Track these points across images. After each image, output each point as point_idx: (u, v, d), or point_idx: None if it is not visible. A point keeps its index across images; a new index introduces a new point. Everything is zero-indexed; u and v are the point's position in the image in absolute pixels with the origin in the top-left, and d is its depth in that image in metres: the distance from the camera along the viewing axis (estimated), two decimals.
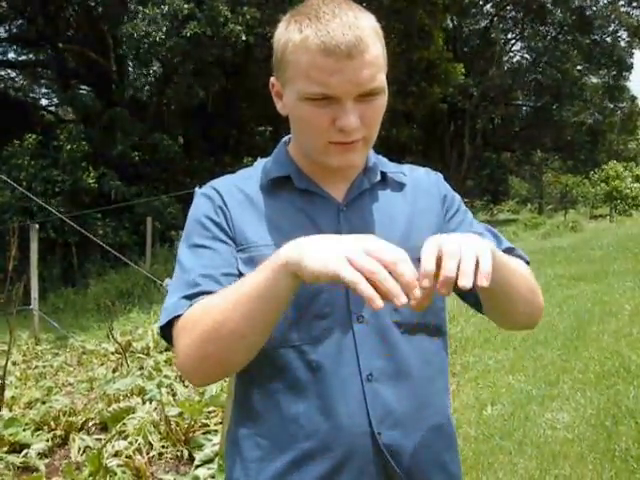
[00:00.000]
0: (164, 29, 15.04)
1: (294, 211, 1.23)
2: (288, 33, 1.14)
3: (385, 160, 1.36)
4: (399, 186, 1.32)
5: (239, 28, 14.94)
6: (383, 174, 1.30)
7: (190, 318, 1.10)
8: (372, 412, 1.15)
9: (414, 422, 1.20)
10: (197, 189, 1.29)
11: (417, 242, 1.21)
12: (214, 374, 1.14)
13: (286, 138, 1.33)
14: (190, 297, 1.13)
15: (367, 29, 1.11)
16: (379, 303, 0.87)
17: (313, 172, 1.26)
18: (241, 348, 1.07)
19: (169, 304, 1.16)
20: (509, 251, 1.30)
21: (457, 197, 1.38)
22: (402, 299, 0.88)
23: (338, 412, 1.15)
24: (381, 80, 1.13)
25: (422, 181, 1.35)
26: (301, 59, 1.11)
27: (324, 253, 0.93)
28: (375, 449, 1.16)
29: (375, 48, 1.12)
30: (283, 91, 1.19)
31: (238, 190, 1.26)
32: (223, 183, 1.29)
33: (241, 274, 1.17)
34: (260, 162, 1.34)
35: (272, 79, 1.23)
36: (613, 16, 31.82)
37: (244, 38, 15.05)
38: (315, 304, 1.16)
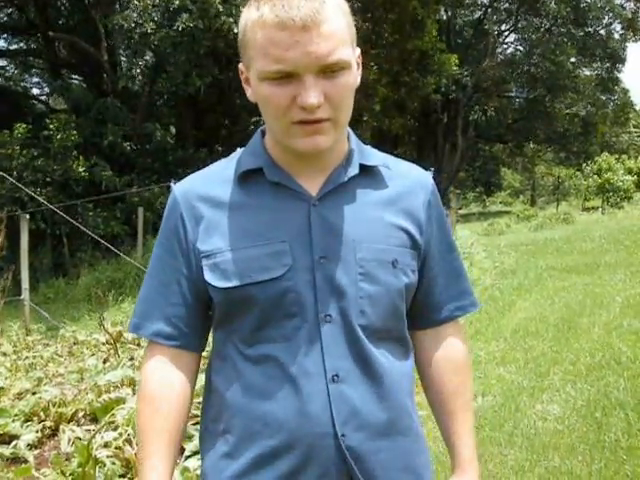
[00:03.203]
0: (155, 19, 14.90)
1: (264, 209, 1.18)
2: (248, 13, 1.11)
3: (371, 150, 1.28)
4: (380, 181, 1.24)
5: (231, 20, 14.82)
6: (363, 167, 1.22)
7: (142, 379, 1.27)
8: (336, 413, 1.13)
9: (381, 425, 1.18)
10: (172, 184, 1.29)
11: (387, 244, 1.20)
12: None
13: (263, 127, 1.27)
14: (145, 328, 1.26)
15: (327, 3, 1.06)
16: None
17: (288, 163, 1.20)
18: None
19: (135, 317, 1.28)
20: (464, 297, 1.35)
21: (442, 212, 1.33)
22: None
23: (302, 411, 1.13)
24: (345, 54, 1.08)
25: (407, 179, 1.28)
26: (258, 36, 1.07)
27: None
28: (337, 451, 1.13)
29: (337, 21, 1.07)
30: (249, 75, 1.15)
31: (208, 189, 1.22)
32: (194, 181, 1.26)
33: (206, 284, 1.19)
34: (237, 152, 1.29)
35: (240, 65, 1.18)
36: (607, 8, 31.79)
37: (236, 31, 14.89)
38: (284, 303, 1.14)
